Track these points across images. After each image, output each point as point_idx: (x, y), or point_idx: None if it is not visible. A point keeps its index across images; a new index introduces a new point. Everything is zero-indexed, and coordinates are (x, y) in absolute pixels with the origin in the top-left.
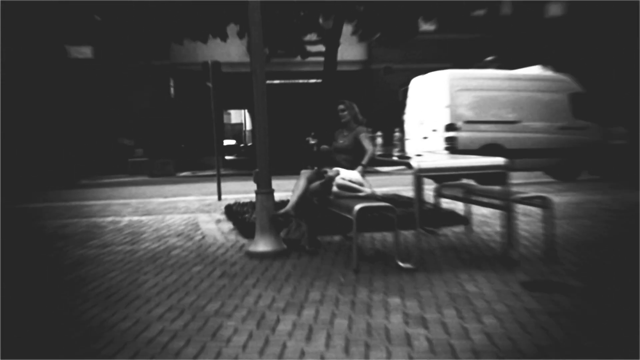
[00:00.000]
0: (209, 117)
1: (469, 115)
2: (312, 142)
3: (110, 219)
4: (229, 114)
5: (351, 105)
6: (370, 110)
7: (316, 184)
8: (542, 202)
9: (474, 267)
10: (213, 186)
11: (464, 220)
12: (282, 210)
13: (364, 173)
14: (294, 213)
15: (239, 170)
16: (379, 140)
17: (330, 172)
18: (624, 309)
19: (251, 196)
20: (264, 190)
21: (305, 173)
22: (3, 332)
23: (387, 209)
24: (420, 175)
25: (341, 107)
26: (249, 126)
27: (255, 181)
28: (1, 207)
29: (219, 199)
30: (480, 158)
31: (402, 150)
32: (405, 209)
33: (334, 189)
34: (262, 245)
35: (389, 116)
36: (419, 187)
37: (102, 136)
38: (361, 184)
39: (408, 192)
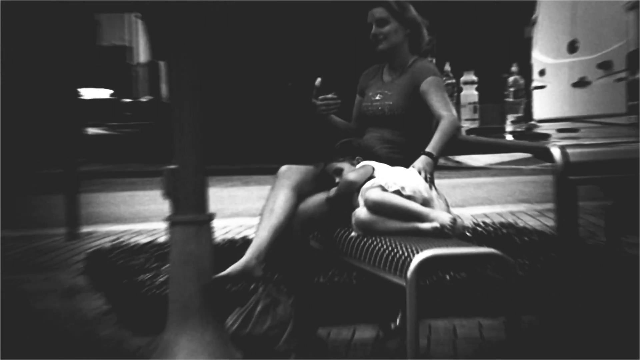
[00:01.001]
0: (41, 41)
1: None
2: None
3: None
4: (99, 24)
5: (403, 7)
6: (447, 24)
7: (317, 199)
8: None
9: None
10: (55, 203)
11: None
12: (235, 268)
13: (432, 172)
14: (261, 272)
15: (119, 166)
16: (471, 93)
17: (351, 171)
18: None
19: (155, 228)
20: (190, 216)
21: (289, 173)
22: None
23: (491, 259)
24: (572, 178)
25: (378, 12)
26: (143, 56)
27: (168, 194)
28: None
29: (72, 235)
30: None
31: (527, 116)
32: (533, 262)
33: (361, 212)
34: (183, 352)
35: (493, 34)
36: (570, 205)
37: None
38: (426, 200)
39: (536, 218)
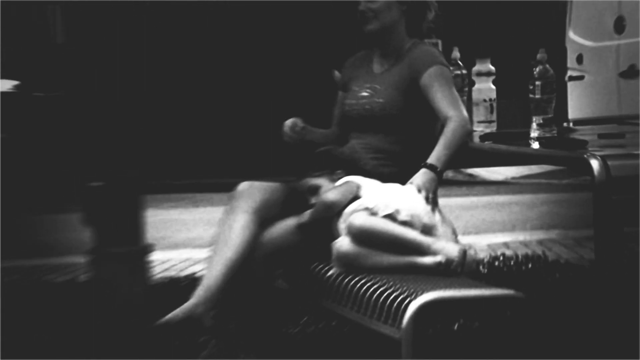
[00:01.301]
0: None
1: None
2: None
3: None
4: None
5: None
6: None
7: (286, 226)
8: None
9: None
10: None
11: None
12: (178, 314)
13: (435, 190)
14: (212, 321)
15: (27, 181)
16: (487, 88)
17: (330, 189)
18: None
19: (74, 263)
20: (120, 247)
21: (249, 192)
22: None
23: (511, 303)
24: (616, 197)
25: None
26: (60, 36)
27: (91, 219)
28: None
29: None
30: None
31: (559, 116)
32: (568, 306)
33: (343, 243)
34: None
35: (514, 10)
36: (613, 232)
37: None
38: (427, 227)
39: (573, 249)
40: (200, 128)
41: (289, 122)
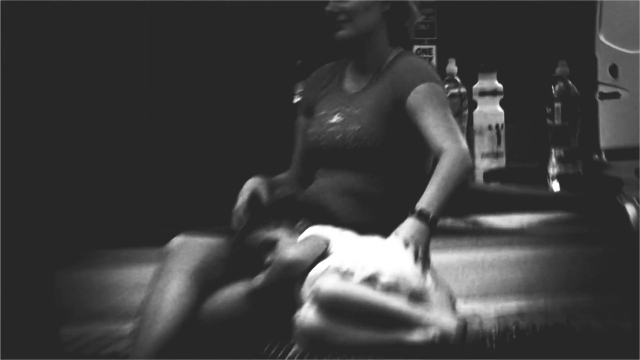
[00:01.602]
0: None
1: None
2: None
3: None
4: None
5: None
6: None
7: (234, 293)
8: None
9: None
10: None
11: None
12: None
13: (426, 244)
14: None
15: None
16: (492, 111)
17: (290, 244)
18: None
19: None
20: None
21: (187, 249)
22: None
23: None
24: None
25: None
26: None
27: None
28: None
29: None
30: None
31: (587, 146)
32: None
33: (307, 314)
34: None
35: (527, 9)
36: None
37: None
38: (417, 294)
39: (606, 316)
40: (120, 162)
41: (247, 194)
